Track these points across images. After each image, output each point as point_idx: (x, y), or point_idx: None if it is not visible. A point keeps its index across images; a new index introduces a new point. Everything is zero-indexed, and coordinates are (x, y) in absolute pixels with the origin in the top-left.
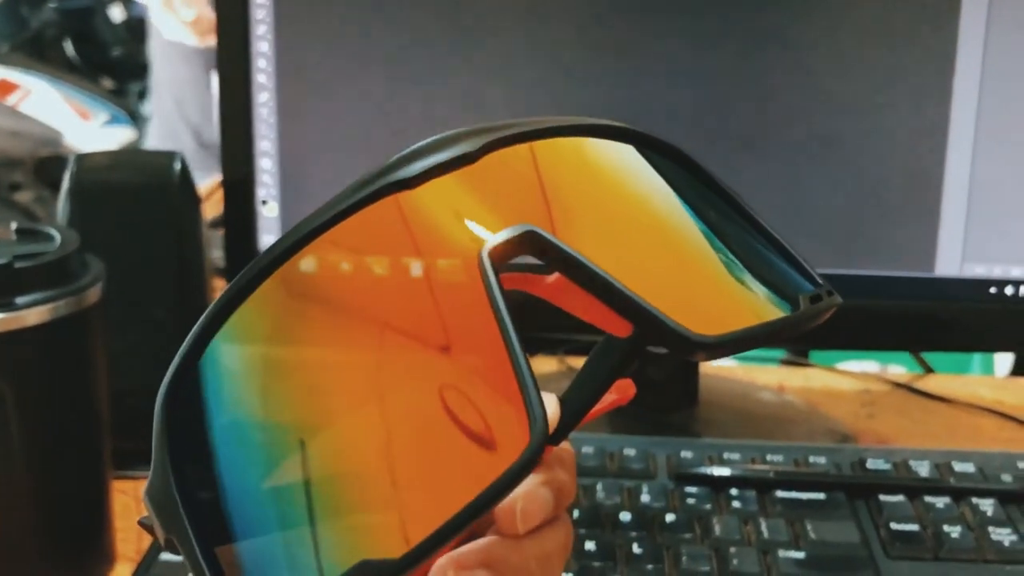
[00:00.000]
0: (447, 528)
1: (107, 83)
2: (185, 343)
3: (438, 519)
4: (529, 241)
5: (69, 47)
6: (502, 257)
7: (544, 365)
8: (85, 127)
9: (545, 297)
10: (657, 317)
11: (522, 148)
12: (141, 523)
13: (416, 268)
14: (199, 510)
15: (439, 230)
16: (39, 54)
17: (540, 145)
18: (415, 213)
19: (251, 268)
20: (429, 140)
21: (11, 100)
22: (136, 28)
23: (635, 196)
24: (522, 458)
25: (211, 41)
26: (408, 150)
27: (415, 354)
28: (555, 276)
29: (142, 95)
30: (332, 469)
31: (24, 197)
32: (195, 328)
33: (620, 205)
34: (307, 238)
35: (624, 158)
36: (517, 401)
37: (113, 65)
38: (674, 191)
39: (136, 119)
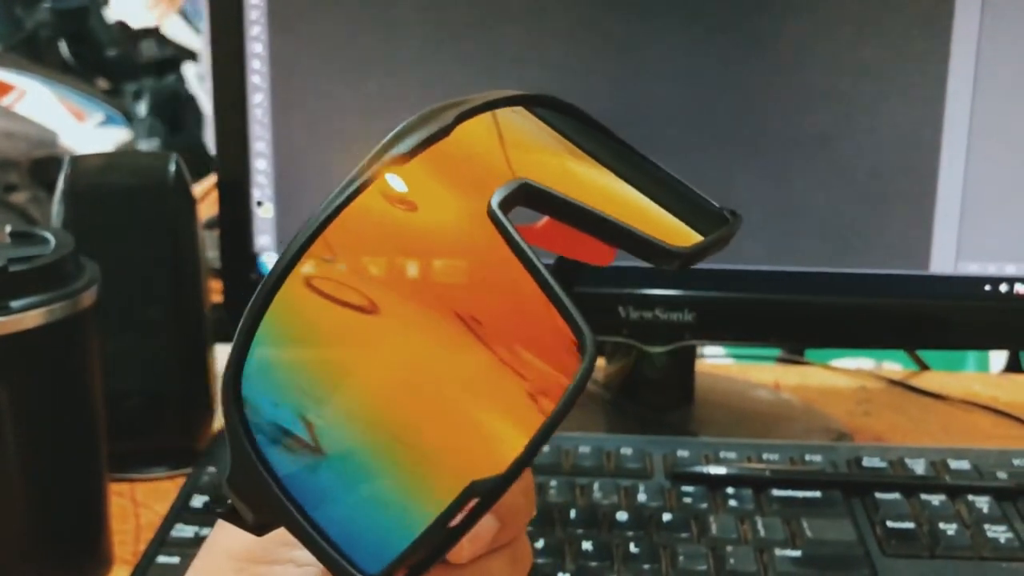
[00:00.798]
0: (543, 432)
1: (102, 84)
2: (236, 337)
3: (523, 437)
4: (524, 192)
5: (64, 48)
6: (504, 209)
7: None
8: (80, 128)
9: (534, 243)
10: (644, 237)
11: (485, 117)
12: (222, 515)
13: (431, 234)
14: (290, 486)
15: (442, 196)
16: (34, 55)
17: (498, 113)
18: (416, 183)
19: (284, 255)
20: (414, 118)
21: (6, 101)
22: (131, 29)
23: (553, 153)
24: (586, 358)
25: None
26: (398, 128)
27: (451, 318)
28: (544, 221)
29: (137, 95)
30: (405, 419)
31: (19, 198)
32: (241, 323)
33: (551, 162)
34: (330, 217)
35: (527, 122)
36: (562, 325)
37: (108, 66)
38: (574, 143)
39: (131, 120)
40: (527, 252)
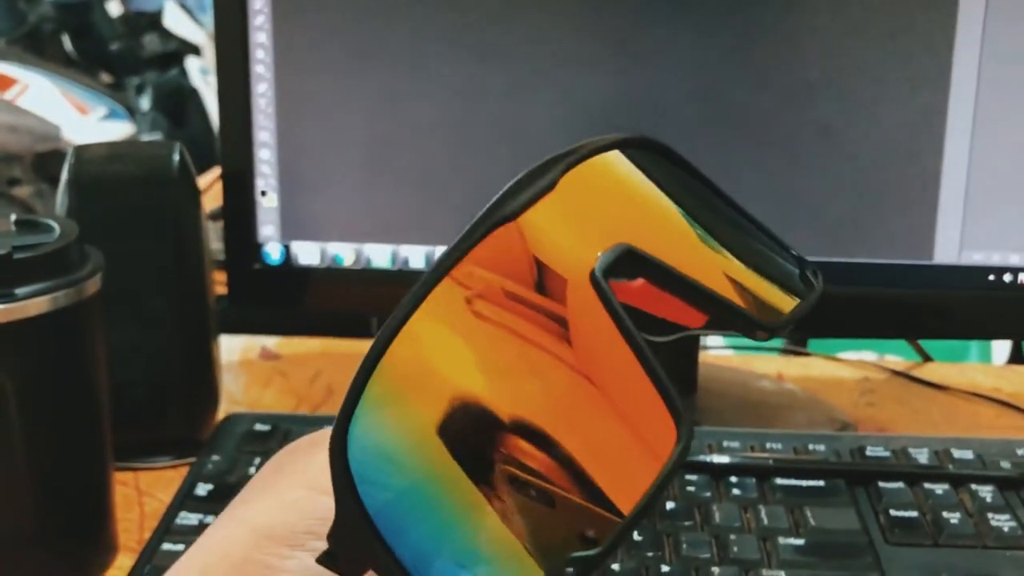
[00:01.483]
0: (642, 507)
1: (105, 78)
2: (348, 394)
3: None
4: (627, 258)
5: (67, 42)
6: (607, 275)
7: None
8: (83, 122)
9: (626, 300)
10: (737, 310)
11: (584, 166)
12: (323, 562)
13: (537, 292)
14: (392, 540)
15: (550, 254)
16: (37, 49)
17: (596, 161)
18: (528, 239)
19: (393, 316)
20: (521, 176)
21: (9, 95)
22: (134, 22)
23: (645, 202)
24: (681, 440)
25: None
26: (508, 185)
27: (557, 366)
28: (640, 282)
29: (140, 90)
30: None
31: (23, 192)
32: (355, 377)
33: (645, 215)
34: (437, 274)
35: (622, 166)
36: (658, 402)
37: (111, 60)
38: (667, 194)
39: (134, 114)
40: (628, 324)
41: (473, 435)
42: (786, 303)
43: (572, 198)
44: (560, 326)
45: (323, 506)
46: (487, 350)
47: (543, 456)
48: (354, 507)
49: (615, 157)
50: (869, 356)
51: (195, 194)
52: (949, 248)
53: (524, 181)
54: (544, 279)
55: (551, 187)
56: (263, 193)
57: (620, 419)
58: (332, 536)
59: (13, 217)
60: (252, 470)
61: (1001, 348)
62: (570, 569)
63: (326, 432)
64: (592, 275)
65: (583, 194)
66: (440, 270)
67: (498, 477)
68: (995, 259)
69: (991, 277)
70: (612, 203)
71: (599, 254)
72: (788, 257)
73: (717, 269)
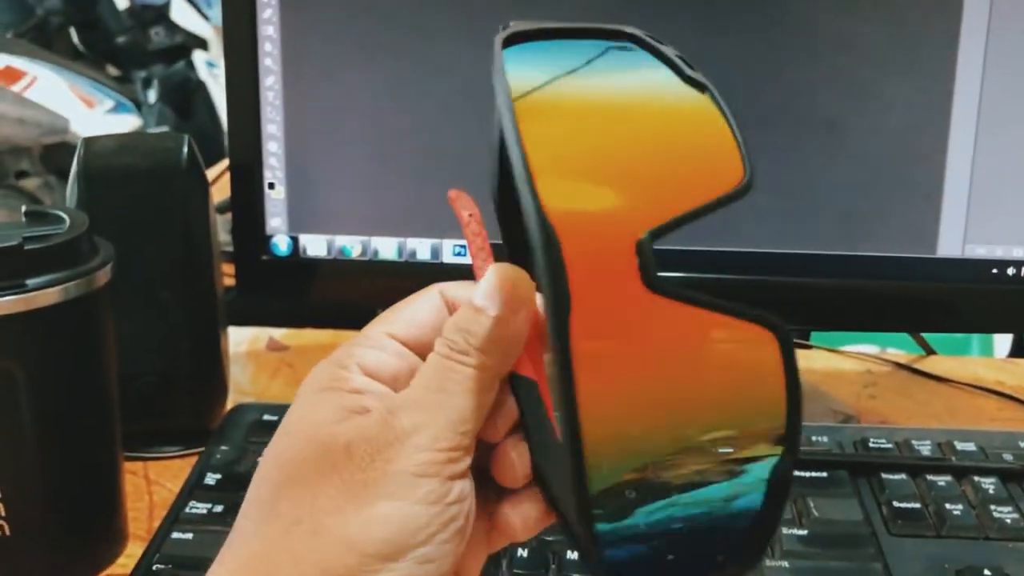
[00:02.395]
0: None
1: (111, 71)
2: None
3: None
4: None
5: (74, 35)
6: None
7: None
8: (90, 115)
9: None
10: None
11: None
12: None
13: None
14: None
15: None
16: (44, 42)
17: None
18: None
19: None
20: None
21: (17, 87)
22: (141, 16)
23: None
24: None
25: None
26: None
27: None
28: None
29: (147, 83)
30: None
31: (31, 184)
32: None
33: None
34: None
35: (534, 75)
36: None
37: (117, 53)
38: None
39: (140, 107)
40: (700, 297)
41: None
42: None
43: (555, 167)
44: None
45: (416, 517)
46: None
47: None
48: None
49: (521, 89)
50: (871, 349)
51: (204, 186)
52: (953, 241)
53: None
54: None
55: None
56: (271, 185)
57: None
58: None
59: (24, 208)
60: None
61: (1003, 342)
62: None
63: (384, 419)
64: (650, 284)
65: (552, 151)
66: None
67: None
68: (998, 253)
69: (994, 271)
70: (569, 131)
71: (637, 262)
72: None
73: (662, 123)
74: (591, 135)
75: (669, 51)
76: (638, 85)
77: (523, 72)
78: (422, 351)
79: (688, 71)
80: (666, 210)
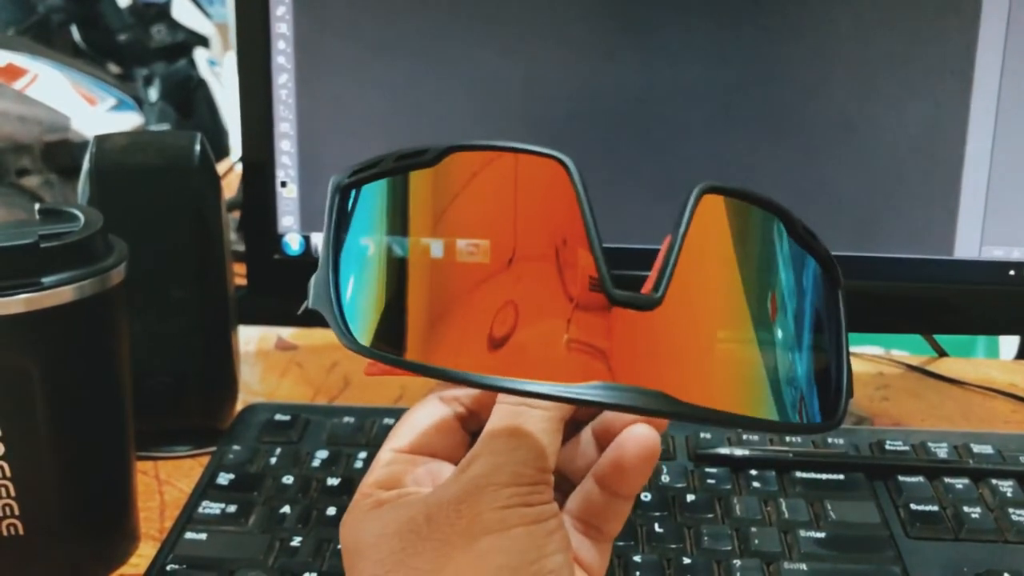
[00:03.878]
0: None
1: (113, 68)
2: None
3: None
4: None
5: (75, 32)
6: None
7: None
8: (92, 112)
9: None
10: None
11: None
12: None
13: None
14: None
15: None
16: (46, 39)
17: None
18: None
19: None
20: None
21: (18, 85)
22: (142, 13)
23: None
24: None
25: None
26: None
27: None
28: None
29: (148, 81)
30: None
31: (32, 182)
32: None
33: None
34: None
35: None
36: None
37: (119, 50)
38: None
39: (142, 105)
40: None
41: None
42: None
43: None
44: None
45: (522, 537)
46: None
47: None
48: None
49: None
50: (875, 351)
51: (216, 184)
52: (970, 243)
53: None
54: None
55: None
56: (283, 184)
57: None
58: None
59: (38, 206)
60: (272, 460)
61: (1007, 344)
62: None
63: None
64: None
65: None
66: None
67: None
68: (1015, 255)
69: (1012, 272)
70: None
71: None
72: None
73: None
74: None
75: None
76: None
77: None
78: (432, 453)
79: None
80: None
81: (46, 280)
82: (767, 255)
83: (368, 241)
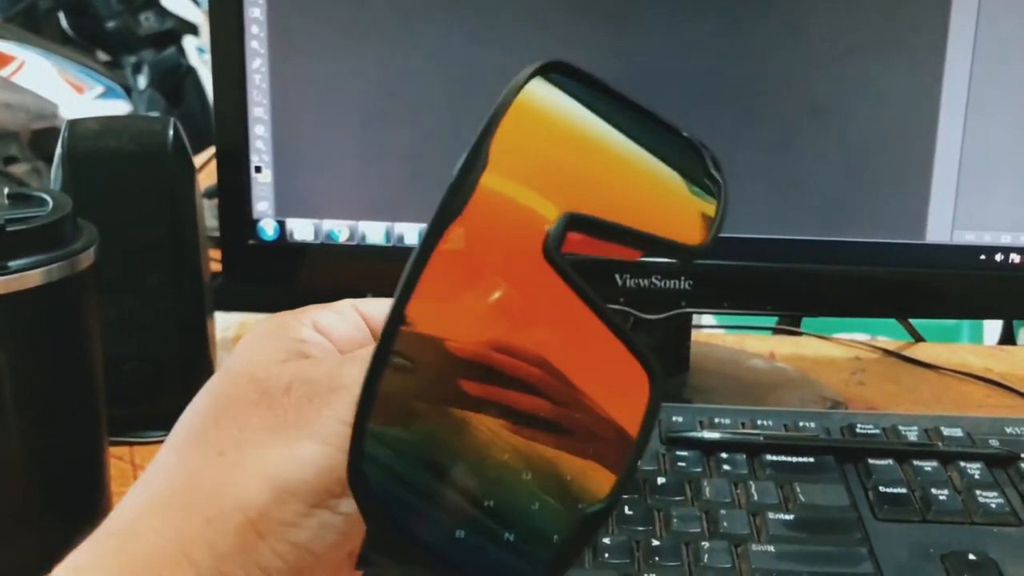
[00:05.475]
0: (633, 459)
1: (101, 56)
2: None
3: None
4: (573, 224)
5: (63, 19)
6: (558, 244)
7: None
8: (79, 100)
9: (568, 250)
10: (665, 243)
11: (512, 119)
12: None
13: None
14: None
15: (502, 235)
16: (33, 26)
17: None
18: (479, 230)
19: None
20: (457, 164)
21: (5, 72)
22: (130, 1)
23: (575, 129)
24: (655, 387)
25: None
26: (450, 182)
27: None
28: (579, 236)
29: (137, 68)
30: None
31: (19, 170)
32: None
33: (578, 145)
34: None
35: (554, 96)
36: (626, 355)
37: (107, 38)
38: (592, 111)
39: (130, 93)
40: (590, 293)
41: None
42: (708, 208)
43: (509, 162)
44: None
45: (340, 466)
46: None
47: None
48: (388, 528)
49: (533, 94)
50: (861, 337)
51: (190, 169)
52: (941, 227)
53: (460, 171)
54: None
55: (484, 166)
56: (258, 169)
57: (593, 387)
58: (369, 547)
59: (7, 190)
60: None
61: (992, 329)
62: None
63: (331, 366)
64: (545, 249)
65: (518, 151)
66: (406, 291)
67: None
68: (987, 239)
69: (983, 256)
70: (547, 146)
71: (547, 229)
72: (688, 146)
73: (648, 185)
74: (569, 160)
75: (707, 154)
76: (649, 154)
77: (544, 87)
78: (377, 331)
79: (711, 169)
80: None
81: (13, 264)
82: None
83: None
